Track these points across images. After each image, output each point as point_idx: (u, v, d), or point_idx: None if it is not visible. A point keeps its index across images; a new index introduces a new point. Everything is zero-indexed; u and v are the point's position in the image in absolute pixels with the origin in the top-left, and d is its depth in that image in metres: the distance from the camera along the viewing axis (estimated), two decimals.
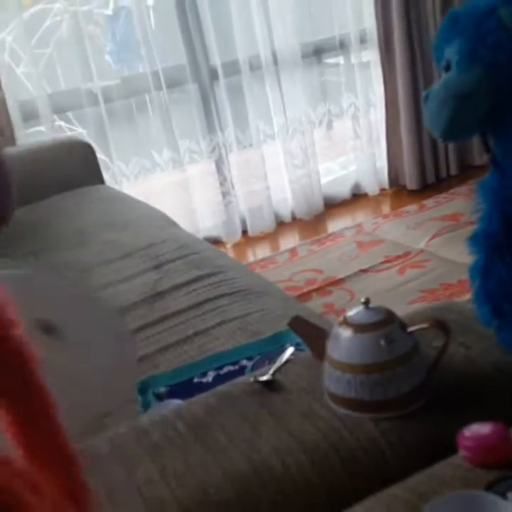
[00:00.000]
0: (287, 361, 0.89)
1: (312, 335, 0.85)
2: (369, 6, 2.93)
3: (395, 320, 0.80)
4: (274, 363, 1.20)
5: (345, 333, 0.79)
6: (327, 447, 0.72)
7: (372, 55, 3.02)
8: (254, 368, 1.21)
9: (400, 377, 0.77)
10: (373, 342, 0.77)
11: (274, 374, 0.86)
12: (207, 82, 2.85)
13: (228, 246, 2.99)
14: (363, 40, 2.99)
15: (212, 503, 0.67)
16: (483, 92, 0.78)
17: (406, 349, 0.78)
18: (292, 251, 2.81)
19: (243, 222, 3.04)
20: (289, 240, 3.01)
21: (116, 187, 2.62)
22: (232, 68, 2.83)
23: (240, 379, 0.88)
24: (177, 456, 0.73)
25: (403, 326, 0.80)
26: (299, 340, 1.28)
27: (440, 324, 0.80)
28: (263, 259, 2.80)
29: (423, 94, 0.87)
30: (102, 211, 1.97)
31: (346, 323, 0.80)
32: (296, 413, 0.78)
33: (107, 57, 2.88)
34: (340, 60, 3.10)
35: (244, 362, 1.23)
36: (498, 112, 0.79)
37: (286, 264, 2.72)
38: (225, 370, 1.21)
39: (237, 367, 1.22)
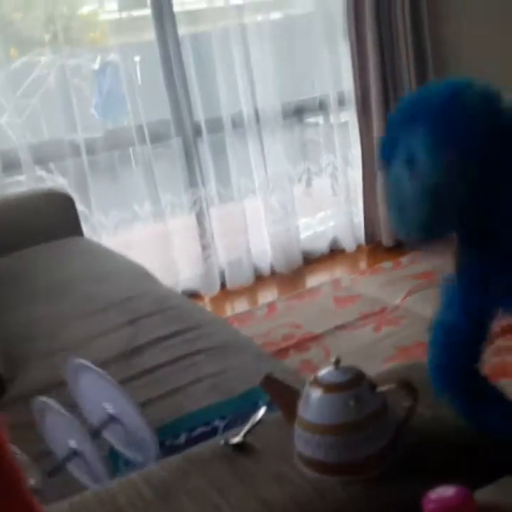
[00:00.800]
0: (259, 422, 0.89)
1: (283, 394, 0.85)
2: (347, 69, 3.04)
3: (365, 380, 0.81)
4: (246, 423, 1.21)
5: (315, 393, 0.79)
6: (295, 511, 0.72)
7: (350, 116, 3.12)
8: (226, 428, 1.20)
9: (369, 439, 0.78)
10: (342, 402, 0.78)
11: (245, 436, 0.86)
12: (190, 138, 2.91)
13: (206, 299, 2.99)
14: (341, 102, 3.09)
15: None
16: (460, 180, 0.72)
17: (374, 410, 0.79)
18: (270, 305, 2.83)
19: (222, 276, 3.05)
20: (268, 294, 3.02)
21: (95, 239, 2.63)
22: (215, 125, 2.90)
23: (211, 441, 0.88)
24: None
25: (372, 386, 0.81)
26: None
27: (407, 385, 0.81)
28: (241, 313, 2.80)
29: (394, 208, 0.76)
30: (80, 263, 1.98)
31: (317, 382, 0.80)
32: (266, 477, 0.78)
33: (92, 110, 2.94)
34: (320, 120, 3.19)
35: (217, 422, 1.22)
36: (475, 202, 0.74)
37: (265, 319, 2.72)
38: (198, 431, 1.20)
39: (209, 428, 1.21)
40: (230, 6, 2.83)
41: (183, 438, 1.12)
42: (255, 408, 1.25)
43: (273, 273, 3.14)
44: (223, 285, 3.05)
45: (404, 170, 0.74)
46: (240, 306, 2.94)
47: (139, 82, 2.86)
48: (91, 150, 2.73)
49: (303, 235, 3.20)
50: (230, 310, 2.92)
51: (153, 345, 1.51)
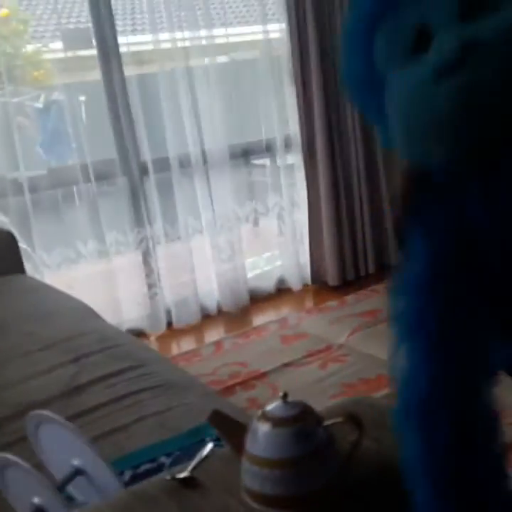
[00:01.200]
0: (206, 457, 0.88)
1: (231, 429, 0.85)
2: (294, 112, 3.12)
3: (312, 414, 0.81)
4: (193, 458, 1.19)
5: (263, 427, 0.79)
6: None
7: (296, 159, 3.19)
8: (173, 464, 1.18)
9: (316, 472, 0.78)
10: (289, 436, 0.78)
11: (192, 471, 0.84)
12: (137, 177, 2.92)
13: (152, 338, 2.95)
14: (287, 145, 3.17)
15: None
16: None
17: (321, 443, 0.79)
18: (217, 344, 2.81)
19: (168, 314, 3.03)
20: (214, 333, 3.01)
21: (37, 277, 2.57)
22: (162, 164, 2.91)
23: (157, 477, 0.86)
24: None
25: (319, 420, 0.82)
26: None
27: (353, 419, 0.82)
28: (187, 352, 2.77)
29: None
30: (22, 301, 1.93)
31: (264, 417, 0.80)
32: (214, 511, 0.77)
33: (38, 149, 2.91)
34: (267, 161, 3.25)
35: (163, 459, 1.20)
36: None
37: (211, 358, 2.70)
38: (142, 468, 1.18)
39: (155, 464, 1.19)
40: (176, 48, 2.88)
41: (127, 475, 1.09)
42: (202, 445, 1.24)
43: (220, 312, 3.13)
44: (169, 324, 3.02)
45: (423, 66, 0.47)
46: (187, 344, 2.92)
47: (85, 121, 2.87)
48: (34, 188, 2.70)
49: (250, 274, 3.22)
50: (176, 349, 2.89)
51: (96, 383, 1.48)
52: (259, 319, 3.03)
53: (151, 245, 2.96)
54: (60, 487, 0.94)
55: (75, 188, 2.82)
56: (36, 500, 0.91)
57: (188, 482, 0.83)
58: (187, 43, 2.90)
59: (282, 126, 3.15)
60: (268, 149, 3.18)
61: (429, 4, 0.48)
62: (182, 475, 0.83)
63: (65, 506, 0.87)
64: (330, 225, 3.13)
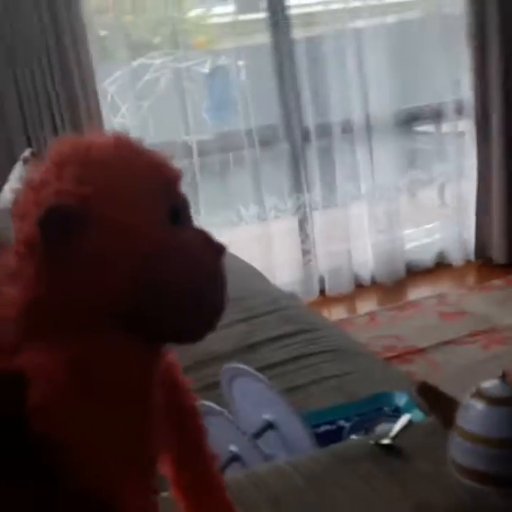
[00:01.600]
0: (405, 426, 0.86)
1: (440, 402, 0.82)
2: (466, 77, 2.94)
3: None
4: (374, 427, 1.17)
5: (480, 405, 0.76)
6: None
7: (466, 125, 3.02)
8: (352, 429, 1.17)
9: None
10: (509, 416, 0.75)
11: (393, 438, 0.82)
12: (298, 143, 2.91)
13: (304, 304, 2.97)
14: (458, 110, 2.99)
15: None
16: None
17: None
18: (370, 315, 2.76)
19: (321, 281, 3.02)
20: (367, 304, 2.96)
21: None
22: (324, 130, 2.88)
23: (357, 439, 0.85)
24: (297, 509, 0.71)
25: None
26: (397, 404, 1.24)
27: None
28: (340, 321, 2.75)
29: None
30: None
31: (481, 395, 0.77)
32: (419, 480, 0.74)
33: (204, 114, 2.99)
34: (434, 128, 3.11)
35: (342, 422, 1.20)
36: None
37: (364, 328, 2.66)
38: (322, 429, 1.18)
39: (334, 427, 1.19)
40: (345, 9, 2.81)
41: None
42: (380, 413, 1.22)
43: (374, 283, 3.07)
44: (322, 291, 3.02)
45: None
46: (338, 313, 2.90)
47: (249, 86, 2.89)
48: (201, 152, 2.78)
49: (407, 246, 3.12)
50: (327, 316, 2.88)
51: (269, 343, 1.50)
52: (415, 293, 2.94)
53: (308, 211, 2.96)
54: (254, 438, 0.96)
55: (238, 153, 2.87)
56: (233, 448, 0.94)
57: (390, 448, 0.81)
58: (356, 3, 2.82)
59: (453, 90, 2.98)
60: (436, 115, 3.02)
61: None
62: (384, 441, 0.82)
63: (261, 457, 0.89)
64: (501, 197, 2.93)
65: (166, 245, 0.45)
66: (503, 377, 0.79)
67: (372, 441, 0.81)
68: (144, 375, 0.47)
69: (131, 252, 0.44)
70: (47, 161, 0.46)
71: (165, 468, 0.55)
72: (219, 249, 0.51)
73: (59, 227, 0.42)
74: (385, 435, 0.83)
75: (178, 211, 0.50)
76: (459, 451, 0.77)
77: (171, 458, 0.54)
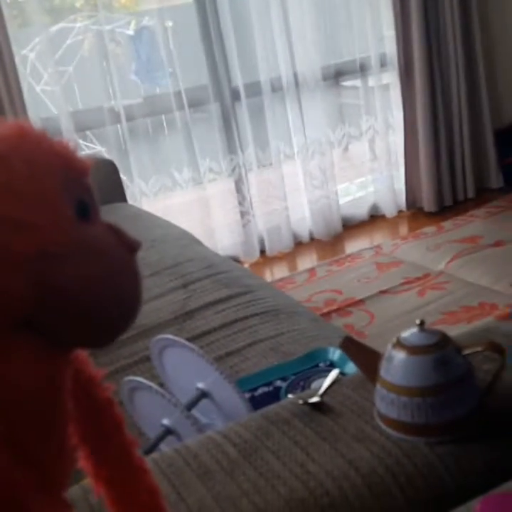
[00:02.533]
0: (333, 382, 0.88)
1: (363, 356, 0.84)
2: (390, 30, 2.95)
3: (450, 343, 0.80)
4: (310, 384, 1.20)
5: (400, 355, 0.78)
6: (383, 472, 0.71)
7: (391, 78, 3.05)
8: (288, 388, 1.20)
9: (456, 400, 0.76)
10: (429, 365, 0.77)
11: (322, 396, 0.85)
12: (229, 103, 2.88)
13: (246, 265, 2.99)
14: (383, 64, 3.02)
15: None
16: None
17: (461, 372, 0.78)
18: (311, 271, 2.81)
19: (261, 242, 3.04)
20: (307, 261, 3.00)
21: (135, 205, 2.63)
22: (254, 89, 2.86)
23: (287, 401, 0.87)
24: (229, 480, 0.73)
25: (458, 348, 0.80)
26: (331, 359, 1.28)
27: (495, 347, 0.79)
28: (281, 279, 2.79)
29: None
30: (128, 229, 1.98)
31: (400, 345, 0.79)
32: (349, 437, 0.77)
33: (132, 77, 2.91)
34: (360, 82, 3.12)
35: (279, 383, 1.23)
36: None
37: (305, 285, 2.71)
38: (260, 391, 1.21)
39: (271, 388, 1.22)
40: None
41: (246, 397, 1.12)
42: (316, 370, 1.25)
43: (312, 239, 3.12)
44: (262, 251, 3.04)
45: None
46: (280, 272, 2.94)
47: (176, 47, 2.82)
48: (130, 117, 2.72)
49: (342, 201, 3.16)
50: (269, 276, 2.92)
51: (206, 308, 1.51)
52: (352, 247, 3.00)
53: (243, 172, 2.95)
54: (188, 408, 0.97)
55: (169, 116, 2.82)
56: (165, 421, 0.95)
57: (319, 406, 0.84)
58: None
59: (377, 44, 2.99)
60: (362, 69, 3.04)
61: None
62: (313, 399, 0.84)
63: (195, 427, 0.91)
64: (427, 148, 3.00)
65: (72, 243, 0.43)
66: (422, 325, 0.80)
67: (301, 401, 0.84)
68: (53, 381, 0.45)
69: (33, 251, 0.41)
70: None
71: (83, 463, 0.55)
72: (132, 246, 0.48)
73: None
74: (314, 393, 0.86)
75: (87, 206, 0.47)
76: (383, 403, 0.79)
77: (88, 451, 0.54)
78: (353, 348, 0.85)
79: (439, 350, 0.77)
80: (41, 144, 0.45)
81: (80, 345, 0.46)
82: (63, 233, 0.42)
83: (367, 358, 0.83)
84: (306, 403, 0.83)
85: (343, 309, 2.45)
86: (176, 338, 1.02)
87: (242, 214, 2.99)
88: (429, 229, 2.96)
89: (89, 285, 0.43)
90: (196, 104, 2.83)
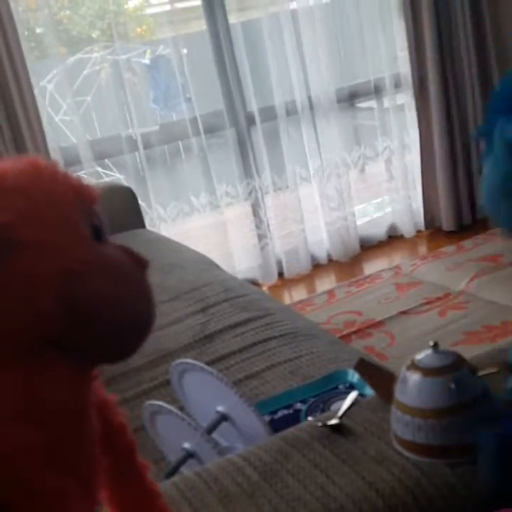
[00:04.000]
0: (352, 404, 0.88)
1: (378, 378, 0.84)
2: (403, 51, 2.97)
3: (465, 363, 0.79)
4: (330, 406, 1.20)
5: (415, 376, 0.78)
6: (404, 494, 0.70)
7: (406, 99, 3.06)
8: (309, 411, 1.20)
9: (471, 421, 0.76)
10: (443, 386, 0.76)
11: (341, 418, 0.85)
12: (244, 127, 2.91)
13: (264, 288, 2.99)
14: (397, 84, 3.04)
15: None
16: None
17: (476, 393, 0.77)
18: (330, 293, 2.81)
19: (279, 265, 3.05)
20: (326, 282, 3.00)
21: (154, 231, 2.66)
22: (268, 113, 2.89)
23: (306, 423, 0.87)
24: (250, 503, 0.72)
25: (473, 369, 0.79)
26: (351, 381, 1.27)
27: (509, 368, 0.79)
28: (300, 302, 2.79)
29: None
30: (147, 255, 1.99)
31: (415, 366, 0.79)
32: (369, 458, 0.77)
33: (150, 105, 2.96)
34: (375, 103, 3.14)
35: (299, 405, 1.22)
36: None
37: (324, 307, 2.71)
38: (280, 414, 1.20)
39: (291, 410, 1.22)
40: None
41: (266, 420, 1.12)
42: (336, 392, 1.25)
43: (330, 261, 3.11)
44: (281, 274, 3.05)
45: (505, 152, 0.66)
46: (299, 294, 2.93)
47: (191, 74, 2.87)
48: (147, 144, 2.76)
49: (359, 222, 3.16)
50: (288, 298, 2.92)
51: (225, 332, 1.52)
52: (371, 267, 2.99)
53: (260, 196, 2.97)
54: (208, 432, 0.97)
55: (185, 142, 2.86)
56: (186, 445, 0.95)
57: (339, 428, 0.83)
58: None
59: (391, 64, 3.01)
60: (376, 90, 3.06)
61: None
62: (332, 421, 0.84)
63: (215, 450, 0.91)
64: (444, 167, 3.00)
65: (93, 261, 0.46)
66: (435, 346, 0.80)
67: (320, 424, 0.84)
68: (81, 397, 0.47)
69: (59, 271, 0.44)
70: None
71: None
72: (143, 263, 0.52)
73: None
74: (333, 415, 0.86)
75: (100, 229, 0.50)
76: (399, 425, 0.79)
77: (101, 475, 0.55)
78: (368, 369, 0.85)
79: (453, 371, 0.77)
80: (55, 175, 0.47)
81: (103, 360, 0.48)
82: (84, 252, 0.45)
83: (382, 380, 0.83)
84: (325, 425, 0.83)
85: (363, 331, 2.44)
86: (195, 362, 1.03)
87: (260, 237, 3.00)
88: (449, 248, 2.94)
89: (110, 299, 0.46)
90: (212, 129, 2.87)
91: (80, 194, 0.48)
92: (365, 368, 0.86)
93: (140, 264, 0.50)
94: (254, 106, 2.87)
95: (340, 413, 0.85)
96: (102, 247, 0.48)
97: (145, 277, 0.49)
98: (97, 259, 0.46)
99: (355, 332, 2.44)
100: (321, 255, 3.11)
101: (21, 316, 0.42)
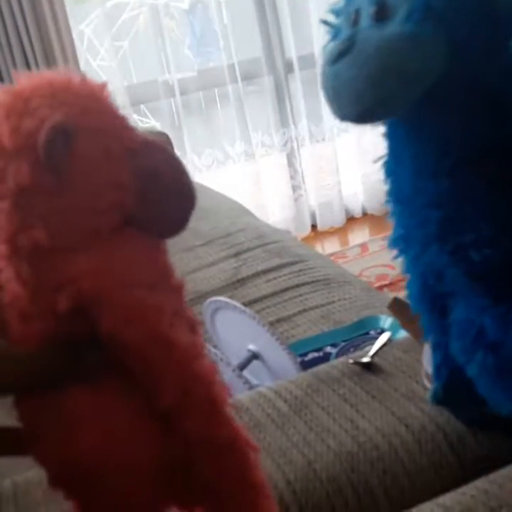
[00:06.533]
0: (384, 345, 0.88)
1: (412, 318, 0.83)
2: None
3: None
4: (360, 349, 1.20)
5: None
6: (434, 430, 0.71)
7: None
8: (338, 354, 1.20)
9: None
10: None
11: (372, 357, 0.85)
12: (282, 75, 2.86)
13: (298, 240, 2.99)
14: None
15: (320, 480, 0.67)
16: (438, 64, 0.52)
17: None
18: (363, 246, 2.79)
19: (313, 217, 3.03)
20: (359, 235, 2.98)
21: None
22: (307, 61, 2.82)
23: (337, 361, 0.87)
24: (280, 433, 0.73)
25: None
26: (383, 327, 1.27)
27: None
28: (333, 254, 2.78)
29: (332, 46, 0.55)
30: None
31: None
32: (399, 395, 0.77)
33: (186, 51, 2.93)
34: None
35: (329, 349, 1.23)
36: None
37: (357, 259, 2.69)
38: (310, 356, 1.21)
39: (321, 353, 1.22)
40: None
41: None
42: (367, 337, 1.25)
43: (365, 214, 3.08)
44: (314, 226, 3.03)
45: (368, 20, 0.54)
46: (332, 246, 2.92)
47: (229, 20, 2.82)
48: (184, 90, 2.74)
49: None
50: (320, 251, 2.91)
51: (258, 277, 1.52)
52: None
53: (295, 146, 2.93)
54: (241, 368, 0.99)
55: (222, 89, 2.83)
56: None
57: (370, 367, 0.84)
58: None
59: None
60: None
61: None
62: (364, 359, 0.84)
63: (248, 388, 0.92)
64: None
65: (144, 140, 0.49)
66: None
67: (351, 361, 0.84)
68: (164, 262, 0.50)
69: (126, 149, 0.47)
70: (10, 96, 0.46)
71: None
72: (167, 142, 0.55)
73: (63, 143, 0.44)
74: (365, 354, 0.86)
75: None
76: (429, 361, 0.79)
77: None
78: (402, 309, 0.84)
79: None
80: (95, 84, 0.49)
81: (169, 231, 0.51)
82: (134, 134, 0.48)
83: (415, 319, 0.82)
84: (356, 363, 0.83)
85: (395, 284, 2.42)
86: (228, 300, 1.03)
87: (294, 188, 2.98)
88: None
89: (169, 169, 0.48)
90: (249, 77, 2.82)
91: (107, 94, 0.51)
92: (400, 307, 0.85)
93: (165, 140, 0.52)
94: (293, 53, 2.81)
95: (371, 352, 0.85)
96: (138, 132, 0.51)
97: (173, 150, 0.52)
98: (144, 139, 0.49)
99: (387, 285, 2.43)
100: (356, 208, 3.08)
101: (107, 190, 0.46)
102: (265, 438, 0.73)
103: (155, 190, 0.48)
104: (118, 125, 0.48)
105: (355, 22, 0.57)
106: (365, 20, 0.56)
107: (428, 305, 0.69)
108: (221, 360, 0.94)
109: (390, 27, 0.53)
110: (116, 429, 0.45)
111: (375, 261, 2.63)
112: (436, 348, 0.69)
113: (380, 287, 2.41)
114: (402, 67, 0.52)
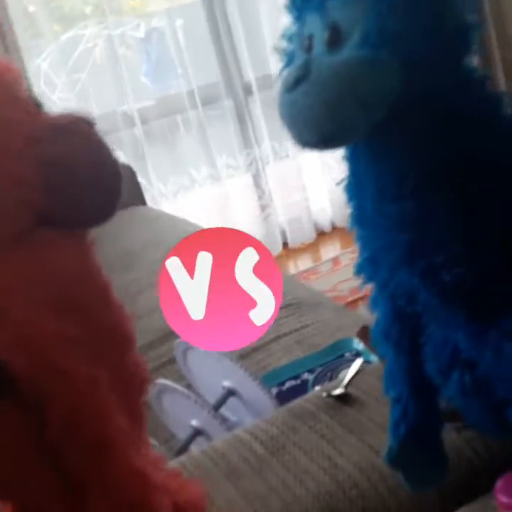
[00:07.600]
0: (358, 372, 0.88)
1: None
2: None
3: None
4: (337, 374, 1.20)
5: None
6: None
7: None
8: (316, 380, 1.20)
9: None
10: None
11: (346, 387, 0.85)
12: (241, 97, 2.87)
13: None
14: None
15: None
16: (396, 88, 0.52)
17: None
18: (335, 260, 2.80)
19: (283, 234, 3.04)
20: (331, 250, 2.99)
21: (155, 207, 2.64)
22: (265, 82, 2.84)
23: (312, 394, 0.87)
24: (257, 478, 0.73)
25: None
26: (357, 348, 1.27)
27: None
28: (306, 271, 2.79)
29: (287, 73, 0.55)
30: (147, 232, 1.99)
31: None
32: (375, 426, 0.77)
33: (143, 79, 2.92)
34: None
35: (306, 375, 1.22)
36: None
37: (330, 274, 2.70)
38: (287, 385, 1.21)
39: (299, 381, 1.22)
40: None
41: (274, 392, 1.12)
42: (342, 360, 1.25)
43: (334, 228, 3.10)
44: (285, 244, 3.04)
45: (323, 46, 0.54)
46: (304, 263, 2.93)
47: (186, 46, 2.83)
48: (144, 120, 2.73)
49: None
50: (293, 268, 2.92)
51: None
52: None
53: (260, 166, 2.94)
54: (215, 408, 0.98)
55: (183, 116, 2.83)
56: (194, 422, 0.96)
57: (344, 398, 0.83)
58: None
59: None
60: None
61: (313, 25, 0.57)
62: (337, 391, 0.84)
63: (223, 427, 0.91)
64: None
65: (51, 126, 0.47)
66: None
67: (324, 394, 0.83)
68: (91, 260, 0.48)
69: (26, 139, 0.44)
70: None
71: None
72: (88, 120, 0.51)
73: None
74: (338, 384, 0.85)
75: (37, 100, 0.51)
76: None
77: None
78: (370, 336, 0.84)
79: None
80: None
81: (89, 221, 0.48)
82: (40, 120, 0.46)
83: None
84: (330, 396, 0.83)
85: (369, 297, 2.43)
86: None
87: (262, 207, 2.99)
88: None
89: (78, 155, 0.46)
90: (209, 101, 2.83)
91: (13, 75, 0.49)
92: (368, 334, 0.85)
93: (86, 121, 0.49)
94: (251, 75, 2.83)
95: (345, 382, 0.85)
96: (49, 116, 0.49)
97: (97, 132, 0.49)
98: (52, 124, 0.46)
99: (361, 298, 2.43)
100: (325, 222, 3.10)
101: (7, 187, 0.42)
102: (243, 485, 0.72)
103: (64, 180, 0.44)
104: (19, 112, 0.45)
105: (309, 48, 0.57)
106: (318, 46, 0.56)
107: (398, 327, 0.68)
108: (195, 402, 0.93)
109: (344, 52, 0.53)
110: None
111: (348, 274, 2.62)
112: (396, 403, 0.67)
113: (355, 301, 2.41)
114: (359, 92, 0.52)
